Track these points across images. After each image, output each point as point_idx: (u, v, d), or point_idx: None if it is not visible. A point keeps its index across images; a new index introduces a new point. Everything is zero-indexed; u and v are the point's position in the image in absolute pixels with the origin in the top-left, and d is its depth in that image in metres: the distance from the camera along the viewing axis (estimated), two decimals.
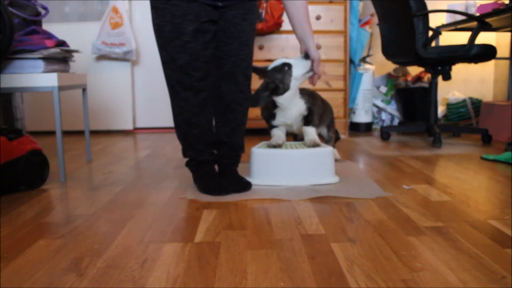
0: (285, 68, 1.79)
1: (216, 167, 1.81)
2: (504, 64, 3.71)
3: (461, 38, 3.66)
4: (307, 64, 1.76)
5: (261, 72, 1.87)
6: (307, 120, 1.90)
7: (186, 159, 1.78)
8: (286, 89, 1.80)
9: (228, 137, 1.76)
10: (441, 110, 3.70)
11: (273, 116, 1.91)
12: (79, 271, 1.03)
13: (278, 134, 1.92)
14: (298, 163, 1.78)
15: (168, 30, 1.58)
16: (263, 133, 3.11)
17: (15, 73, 1.91)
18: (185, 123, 1.68)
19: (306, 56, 1.75)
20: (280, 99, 1.83)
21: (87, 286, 0.95)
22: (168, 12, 1.57)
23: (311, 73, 1.77)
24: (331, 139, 2.22)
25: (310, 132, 1.90)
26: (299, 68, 1.78)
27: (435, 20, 3.53)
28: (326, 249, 1.13)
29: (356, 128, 3.51)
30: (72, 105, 3.54)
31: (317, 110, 1.95)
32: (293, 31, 1.76)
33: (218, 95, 1.73)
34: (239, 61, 1.70)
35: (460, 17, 3.23)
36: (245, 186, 1.69)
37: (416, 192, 1.67)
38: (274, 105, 1.86)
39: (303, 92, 1.93)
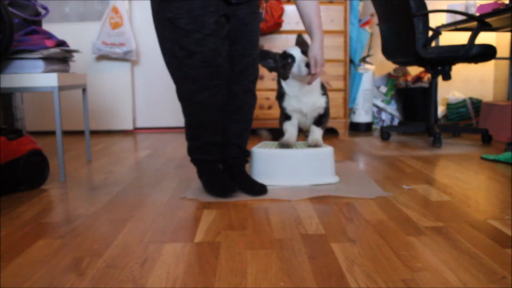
0: (288, 60, 1.80)
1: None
2: (504, 64, 3.71)
3: (461, 38, 3.65)
4: (304, 69, 1.73)
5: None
6: (320, 121, 1.89)
7: (189, 156, 1.73)
8: (284, 76, 1.83)
9: (238, 137, 1.72)
10: (441, 110, 3.70)
11: (282, 96, 1.89)
12: (79, 271, 1.03)
13: (290, 132, 1.90)
14: (298, 163, 1.78)
15: (186, 23, 1.49)
16: None
17: (15, 73, 1.91)
18: (200, 126, 1.61)
19: (307, 64, 1.71)
20: (283, 83, 1.86)
21: (87, 286, 0.95)
22: (184, 4, 1.48)
23: (308, 76, 1.75)
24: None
25: (317, 133, 1.89)
26: (297, 68, 1.78)
27: (435, 20, 3.53)
28: (326, 249, 1.13)
29: (356, 128, 3.51)
30: (72, 105, 3.53)
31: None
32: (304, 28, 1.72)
33: (228, 96, 1.67)
34: (251, 60, 1.67)
35: (460, 17, 3.23)
36: (262, 190, 1.65)
37: (416, 192, 1.67)
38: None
39: (326, 90, 1.91)
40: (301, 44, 1.87)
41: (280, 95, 1.91)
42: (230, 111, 1.70)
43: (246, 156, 1.77)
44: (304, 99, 1.86)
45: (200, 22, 1.49)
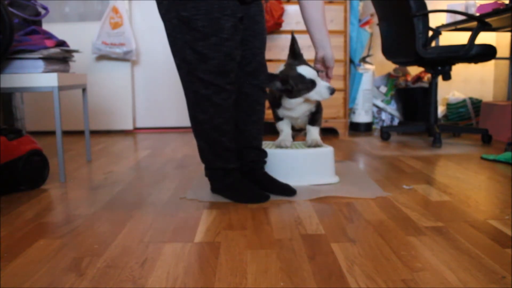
0: (309, 85, 1.73)
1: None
2: (504, 64, 3.71)
3: (461, 38, 3.66)
4: (326, 94, 1.73)
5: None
6: (313, 118, 1.88)
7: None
8: (295, 97, 1.76)
9: (255, 139, 1.69)
10: (441, 110, 3.70)
11: (277, 105, 1.86)
12: (79, 271, 1.03)
13: (286, 133, 1.89)
14: (298, 163, 1.78)
15: (203, 25, 1.41)
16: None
17: (15, 73, 1.91)
18: (215, 131, 1.53)
19: (331, 89, 1.72)
20: (285, 102, 1.80)
21: (87, 286, 0.95)
22: (203, 4, 1.40)
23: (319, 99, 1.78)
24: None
25: (314, 132, 1.89)
26: (317, 94, 1.74)
27: (435, 20, 3.53)
28: (326, 249, 1.13)
29: (356, 128, 3.51)
30: (72, 105, 3.54)
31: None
32: (310, 36, 1.68)
33: (241, 98, 1.62)
34: (262, 59, 1.65)
35: (460, 17, 3.23)
36: (295, 190, 1.63)
37: (416, 192, 1.67)
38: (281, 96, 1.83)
39: None
40: (299, 55, 1.80)
41: (276, 103, 1.87)
42: (245, 113, 1.65)
43: (265, 157, 1.74)
44: (296, 108, 1.83)
45: (219, 26, 1.42)
